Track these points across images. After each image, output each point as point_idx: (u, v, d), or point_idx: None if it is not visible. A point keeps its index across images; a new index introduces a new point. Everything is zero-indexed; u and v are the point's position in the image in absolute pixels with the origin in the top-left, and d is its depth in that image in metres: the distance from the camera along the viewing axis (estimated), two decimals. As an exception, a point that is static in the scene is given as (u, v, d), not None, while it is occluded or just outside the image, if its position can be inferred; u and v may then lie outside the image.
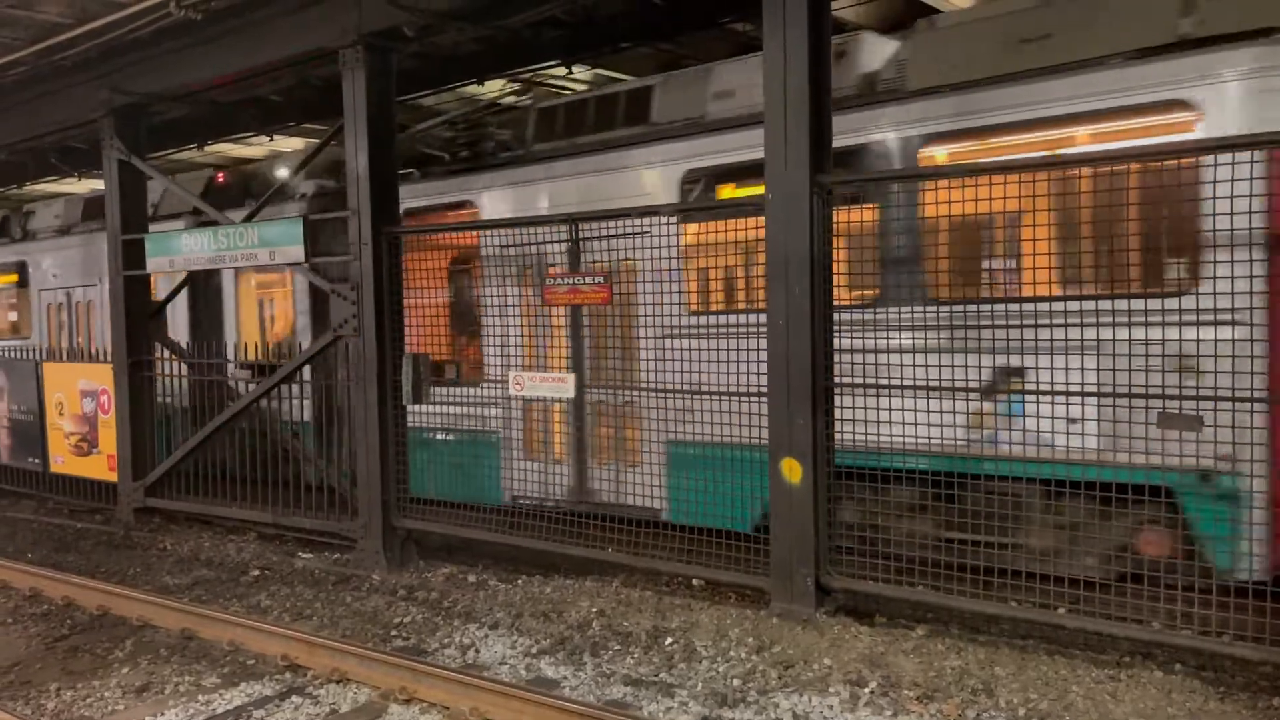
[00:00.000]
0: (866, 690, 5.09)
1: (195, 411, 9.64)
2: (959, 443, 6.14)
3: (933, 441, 5.79)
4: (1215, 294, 5.02)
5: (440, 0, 7.42)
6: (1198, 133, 5.80)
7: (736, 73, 8.12)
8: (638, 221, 6.82)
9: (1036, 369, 5.49)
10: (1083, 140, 6.32)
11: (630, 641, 5.98)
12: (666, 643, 5.92)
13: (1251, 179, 4.75)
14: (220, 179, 12.85)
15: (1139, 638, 5.20)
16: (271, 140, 13.34)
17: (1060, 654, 5.45)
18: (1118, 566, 5.84)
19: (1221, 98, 5.81)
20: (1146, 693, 4.91)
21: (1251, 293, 4.95)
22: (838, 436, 6.02)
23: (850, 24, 10.10)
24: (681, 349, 6.70)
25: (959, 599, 5.64)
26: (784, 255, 6.06)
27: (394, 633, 6.43)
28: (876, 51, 7.55)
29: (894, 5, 10.43)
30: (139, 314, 9.99)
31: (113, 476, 10.31)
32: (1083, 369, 5.32)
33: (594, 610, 6.53)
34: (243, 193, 12.10)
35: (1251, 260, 4.98)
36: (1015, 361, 5.52)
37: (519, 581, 7.34)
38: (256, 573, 8.06)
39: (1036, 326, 5.44)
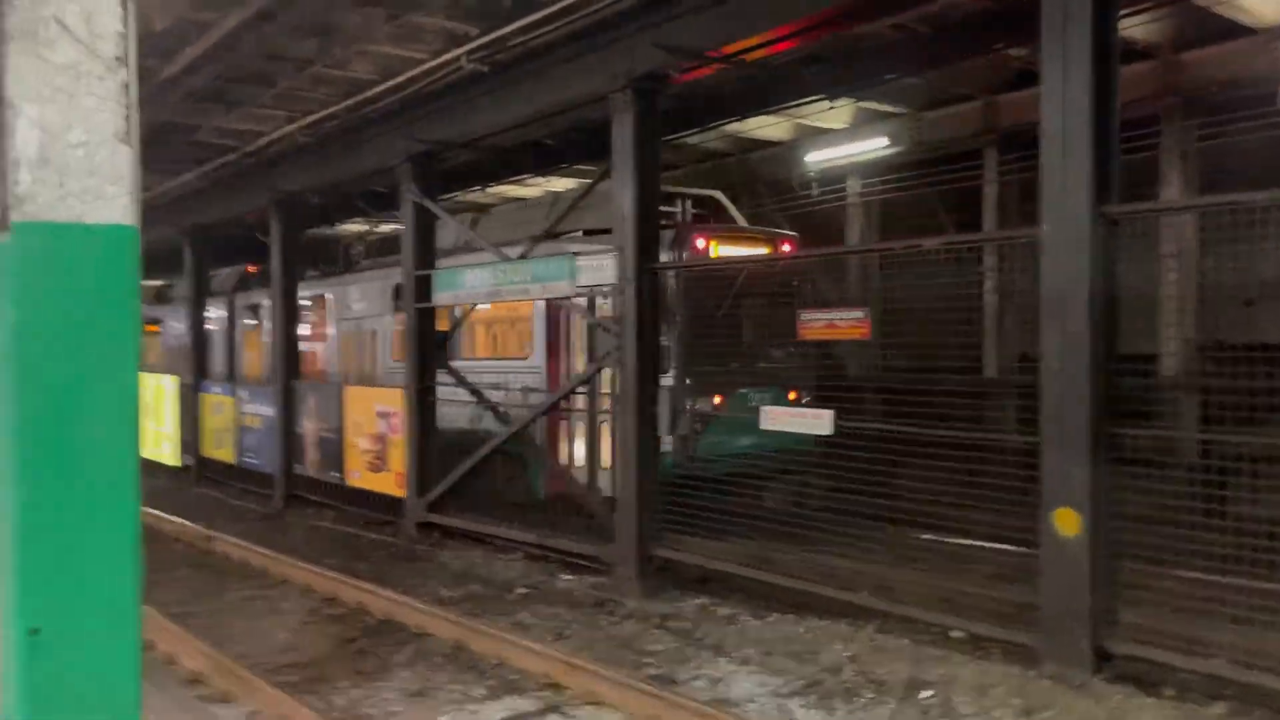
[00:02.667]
0: (1151, 769, 4.63)
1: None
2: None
3: None
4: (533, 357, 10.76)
5: (705, 43, 7.62)
6: None
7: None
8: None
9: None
10: None
11: (884, 691, 5.77)
12: (923, 695, 5.66)
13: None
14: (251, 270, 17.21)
15: None
16: (547, 181, 14.16)
17: (1395, 751, 4.73)
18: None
19: None
20: None
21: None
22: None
23: (1139, 44, 9.44)
24: None
25: (1266, 676, 5.02)
26: (1060, 291, 5.69)
27: (646, 660, 6.55)
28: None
29: (1188, 22, 9.62)
30: (427, 343, 10.84)
31: (400, 492, 11.20)
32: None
33: (846, 654, 6.36)
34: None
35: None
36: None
37: (770, 618, 7.27)
38: (522, 591, 8.48)
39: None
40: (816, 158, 12.74)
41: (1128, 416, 5.75)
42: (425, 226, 10.91)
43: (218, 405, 15.80)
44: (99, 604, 2.43)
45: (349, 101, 10.33)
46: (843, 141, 12.45)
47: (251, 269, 17.35)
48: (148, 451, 17.91)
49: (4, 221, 2.34)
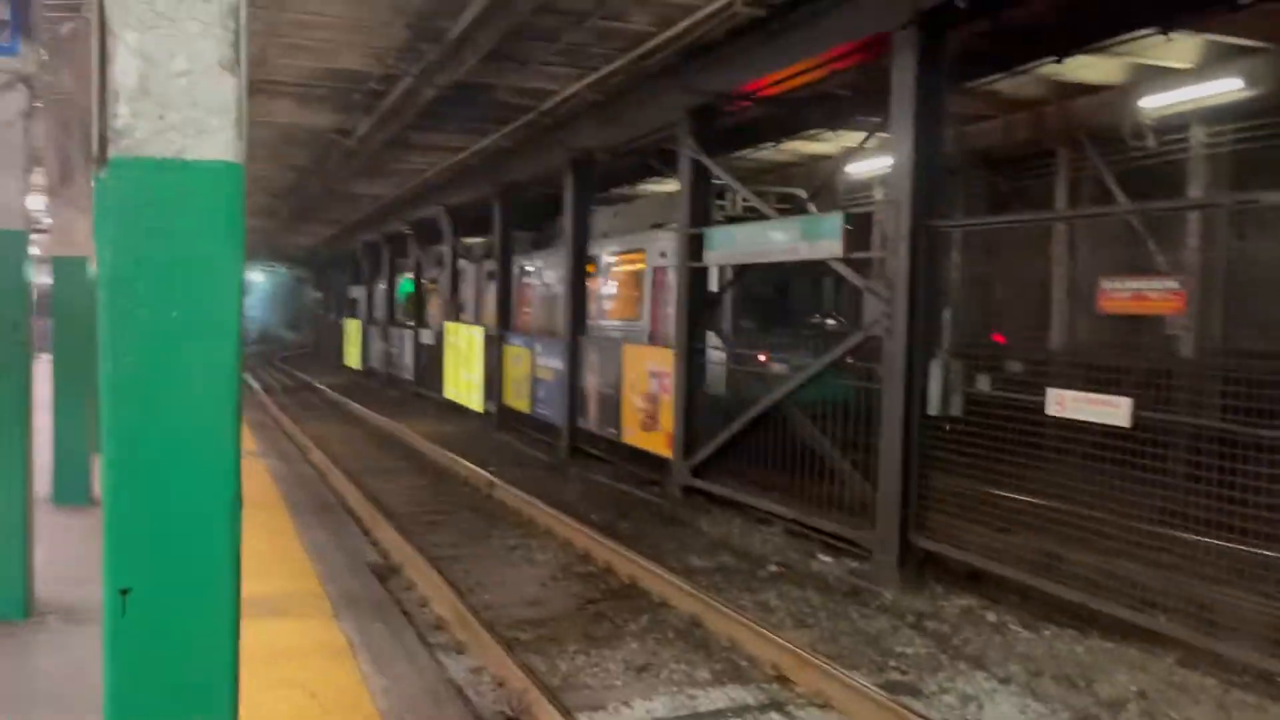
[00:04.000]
0: None
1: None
2: None
3: None
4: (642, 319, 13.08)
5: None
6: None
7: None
8: None
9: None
10: None
11: (1175, 740, 4.78)
12: (1226, 754, 4.62)
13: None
14: None
15: None
16: (837, 134, 13.37)
17: None
18: None
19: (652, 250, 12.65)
20: None
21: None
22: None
23: None
24: None
25: None
26: None
27: (892, 662, 5.89)
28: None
29: None
30: (697, 303, 10.56)
31: (668, 453, 11.08)
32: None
33: (1133, 688, 5.36)
34: None
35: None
36: None
37: (1045, 632, 6.32)
38: (773, 568, 8.02)
39: None
40: (1152, 102, 11.00)
41: None
42: (701, 184, 10.58)
43: (517, 356, 16.55)
44: (193, 566, 2.29)
45: (631, 55, 10.17)
46: (1186, 83, 10.64)
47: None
48: (461, 397, 19.22)
49: (103, 157, 2.21)
